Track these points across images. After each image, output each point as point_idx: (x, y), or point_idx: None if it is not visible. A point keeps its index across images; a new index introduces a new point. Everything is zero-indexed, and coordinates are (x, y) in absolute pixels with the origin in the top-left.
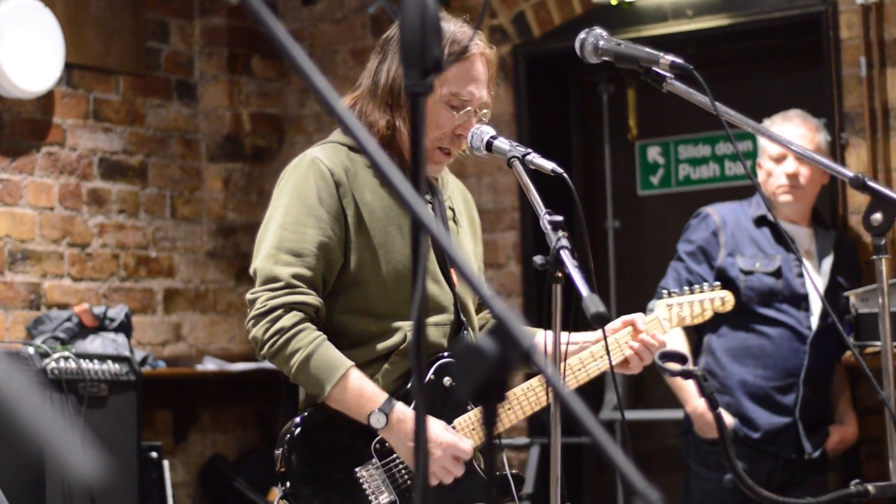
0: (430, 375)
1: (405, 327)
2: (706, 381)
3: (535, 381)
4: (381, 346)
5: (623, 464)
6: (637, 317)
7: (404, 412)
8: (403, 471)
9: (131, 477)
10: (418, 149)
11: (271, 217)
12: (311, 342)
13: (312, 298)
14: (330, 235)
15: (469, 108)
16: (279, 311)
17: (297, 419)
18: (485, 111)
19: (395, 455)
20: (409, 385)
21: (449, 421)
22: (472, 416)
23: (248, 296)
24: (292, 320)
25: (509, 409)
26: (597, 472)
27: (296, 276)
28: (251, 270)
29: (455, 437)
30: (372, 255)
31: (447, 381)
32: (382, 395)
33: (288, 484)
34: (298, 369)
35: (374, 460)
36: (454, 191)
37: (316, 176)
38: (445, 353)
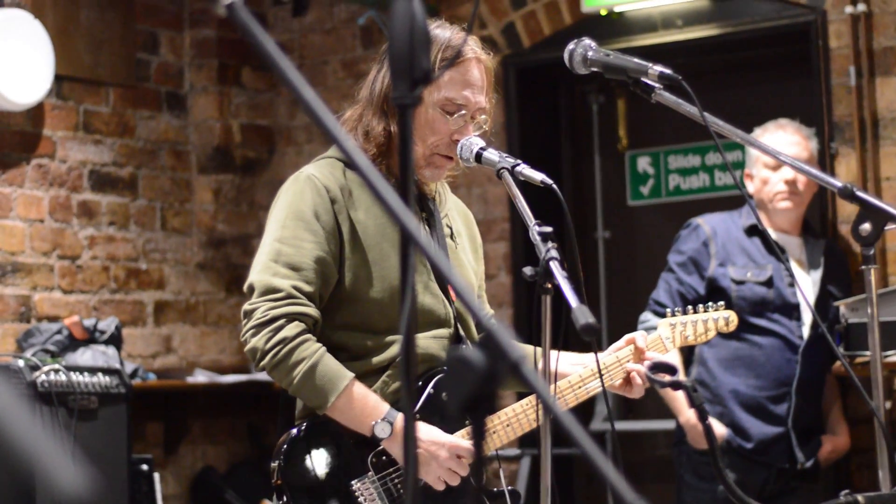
0: (429, 389)
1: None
2: (696, 391)
3: (532, 399)
4: (377, 359)
5: (613, 475)
6: (639, 335)
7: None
8: (399, 485)
9: (122, 490)
10: (406, 161)
11: (267, 233)
12: (314, 353)
13: (312, 310)
14: (326, 251)
15: (464, 112)
16: (281, 321)
17: (294, 431)
18: (483, 117)
19: (391, 469)
20: None
21: (449, 433)
22: (470, 431)
23: (246, 307)
24: (295, 331)
25: (507, 425)
26: (587, 483)
27: (295, 289)
28: (246, 285)
29: (455, 437)
30: (367, 272)
31: (446, 395)
32: (385, 406)
33: (284, 497)
34: (302, 380)
35: (370, 473)
36: (453, 209)
37: (312, 192)
38: (444, 368)
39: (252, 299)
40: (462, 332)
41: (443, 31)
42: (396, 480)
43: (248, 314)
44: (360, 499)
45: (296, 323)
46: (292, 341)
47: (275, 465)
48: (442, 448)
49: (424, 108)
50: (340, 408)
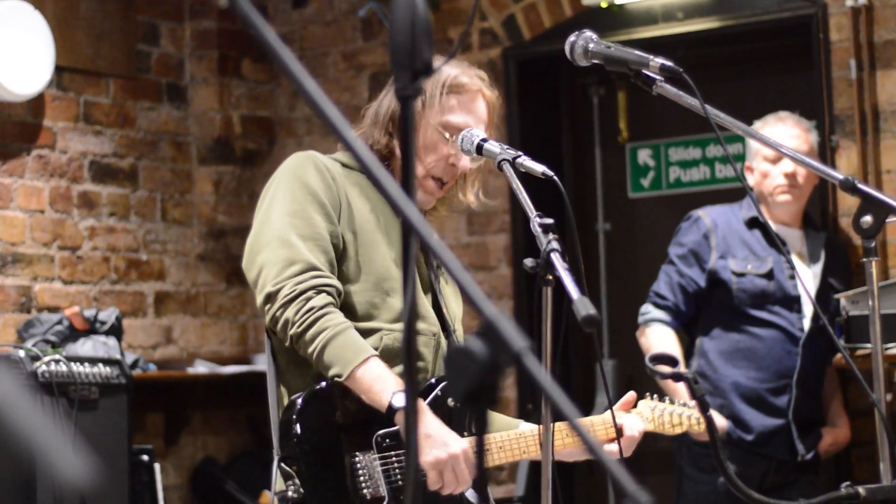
0: (436, 392)
1: (383, 330)
2: (697, 383)
3: (525, 431)
4: None
5: (614, 467)
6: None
7: (427, 408)
8: (399, 469)
9: (122, 480)
10: (408, 150)
11: (272, 207)
12: (339, 324)
13: (335, 280)
14: (334, 223)
15: None
16: (309, 293)
17: (305, 395)
18: None
19: (392, 452)
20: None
21: None
22: (471, 441)
23: (270, 288)
24: (322, 301)
25: (500, 448)
26: (588, 475)
27: (316, 259)
28: (259, 261)
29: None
30: (356, 255)
31: (451, 401)
32: (402, 385)
33: (294, 467)
34: (324, 347)
35: (373, 451)
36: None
37: (315, 168)
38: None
39: (272, 279)
40: (444, 331)
41: (450, 68)
42: (396, 465)
43: (274, 295)
44: (360, 472)
45: (323, 294)
46: (319, 310)
47: (284, 418)
48: (457, 444)
49: (425, 128)
50: (359, 376)
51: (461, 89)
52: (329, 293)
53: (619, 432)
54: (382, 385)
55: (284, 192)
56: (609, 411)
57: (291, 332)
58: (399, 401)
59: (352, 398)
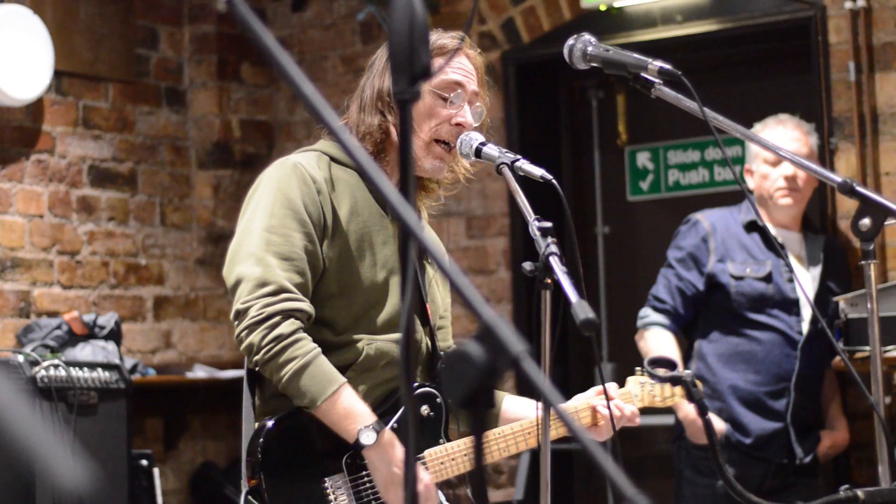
0: None
1: (363, 341)
2: (695, 386)
3: (515, 427)
4: (336, 360)
5: (613, 470)
6: (610, 385)
7: (394, 438)
8: (370, 490)
9: (121, 485)
10: (407, 155)
11: (253, 219)
12: (308, 353)
13: (306, 305)
14: (314, 241)
15: (460, 92)
16: (277, 318)
17: (276, 418)
18: (479, 104)
19: (363, 472)
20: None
21: (420, 451)
22: (444, 450)
23: (239, 306)
24: (290, 328)
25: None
26: (587, 478)
27: (289, 281)
28: (234, 276)
29: (431, 478)
30: (341, 268)
31: (425, 409)
32: (372, 416)
33: (256, 480)
34: (291, 378)
35: (343, 474)
36: (428, 236)
37: (299, 181)
38: (426, 383)
39: (244, 296)
40: (429, 340)
41: (433, 36)
42: (368, 485)
43: (242, 313)
44: (330, 496)
45: (291, 320)
46: (286, 338)
47: (251, 447)
48: (420, 483)
49: (421, 98)
50: (326, 410)
51: (444, 50)
52: (298, 318)
53: (605, 416)
54: (350, 420)
55: (266, 206)
56: (579, 395)
57: (257, 357)
58: (366, 439)
59: (312, 422)
